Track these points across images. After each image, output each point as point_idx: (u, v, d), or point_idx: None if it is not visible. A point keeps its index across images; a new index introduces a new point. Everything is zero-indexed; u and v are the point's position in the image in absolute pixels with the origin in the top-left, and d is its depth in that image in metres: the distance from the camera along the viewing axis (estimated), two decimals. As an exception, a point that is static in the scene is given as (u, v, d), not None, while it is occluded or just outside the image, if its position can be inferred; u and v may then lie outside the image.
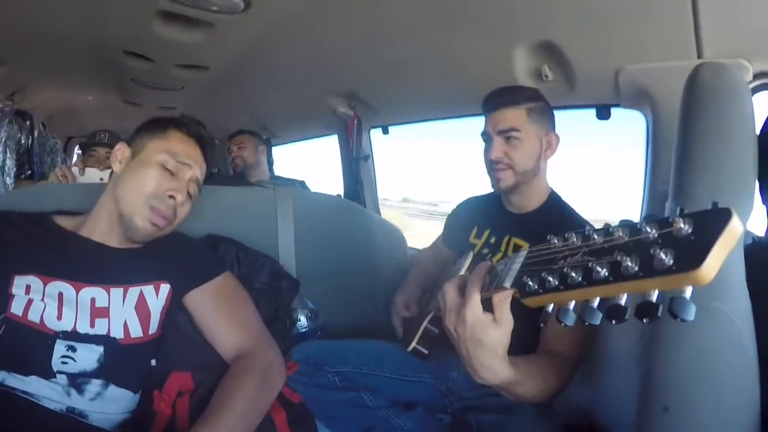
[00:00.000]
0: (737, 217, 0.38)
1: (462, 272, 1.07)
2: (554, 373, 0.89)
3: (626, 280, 0.42)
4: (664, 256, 0.39)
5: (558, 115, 1.23)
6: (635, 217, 1.37)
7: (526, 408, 1.03)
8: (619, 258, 0.42)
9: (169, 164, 1.02)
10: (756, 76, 1.07)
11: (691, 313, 0.39)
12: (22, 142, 3.05)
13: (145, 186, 0.99)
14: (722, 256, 0.38)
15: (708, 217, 0.39)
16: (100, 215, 1.02)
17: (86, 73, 2.58)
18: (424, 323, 1.11)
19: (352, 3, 1.35)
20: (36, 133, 3.19)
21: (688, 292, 0.39)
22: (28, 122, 3.14)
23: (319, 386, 1.18)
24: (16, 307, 0.90)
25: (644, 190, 1.28)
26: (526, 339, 0.94)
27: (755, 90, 1.09)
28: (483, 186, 1.29)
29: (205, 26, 1.63)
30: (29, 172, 3.12)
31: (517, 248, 1.16)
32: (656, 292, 0.41)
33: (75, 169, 1.64)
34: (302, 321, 1.37)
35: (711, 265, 0.37)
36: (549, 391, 0.87)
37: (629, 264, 0.41)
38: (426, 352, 1.11)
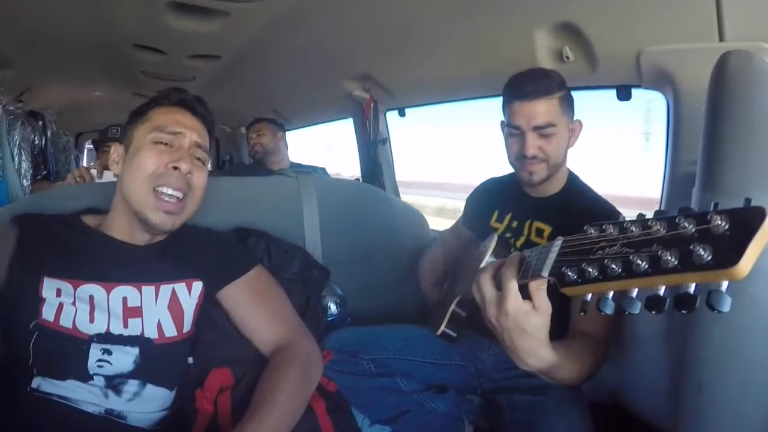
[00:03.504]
0: None
1: (488, 255, 1.08)
2: (590, 354, 0.91)
3: (666, 273, 0.44)
4: (702, 252, 0.41)
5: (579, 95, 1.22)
6: (656, 194, 1.35)
7: (556, 389, 1.03)
8: (658, 252, 0.45)
9: (162, 138, 0.97)
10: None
11: (727, 306, 0.42)
12: (36, 142, 3.02)
13: (145, 168, 0.94)
14: (757, 253, 0.40)
15: (743, 214, 0.41)
16: (118, 215, 1.00)
17: (94, 68, 2.56)
18: (452, 306, 1.11)
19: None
20: (49, 133, 3.16)
21: (725, 285, 0.42)
22: (40, 122, 3.11)
23: (354, 374, 1.19)
24: (48, 313, 0.89)
25: (665, 170, 1.27)
26: (558, 323, 0.97)
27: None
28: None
29: (220, 15, 1.62)
30: (45, 172, 3.10)
31: (539, 232, 1.18)
32: (694, 285, 0.44)
33: (93, 171, 1.64)
34: (332, 308, 1.38)
35: (747, 262, 0.40)
36: (586, 372, 0.89)
37: (669, 258, 0.44)
38: (454, 335, 1.11)
